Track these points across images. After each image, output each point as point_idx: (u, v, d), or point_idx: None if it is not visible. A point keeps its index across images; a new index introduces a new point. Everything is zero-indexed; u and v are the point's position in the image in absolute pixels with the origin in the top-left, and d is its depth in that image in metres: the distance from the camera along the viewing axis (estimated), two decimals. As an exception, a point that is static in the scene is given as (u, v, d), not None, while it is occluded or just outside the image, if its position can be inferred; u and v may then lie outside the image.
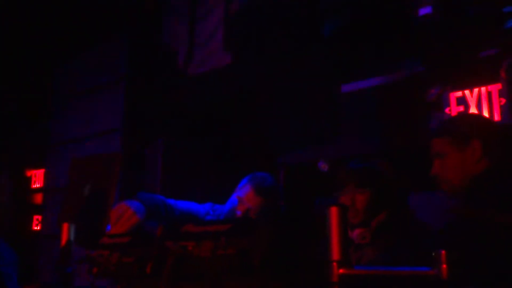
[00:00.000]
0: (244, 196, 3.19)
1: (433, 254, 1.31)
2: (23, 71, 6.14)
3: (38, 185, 7.17)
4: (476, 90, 4.04)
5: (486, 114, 4.00)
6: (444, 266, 1.28)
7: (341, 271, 1.41)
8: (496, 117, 3.98)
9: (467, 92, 4.08)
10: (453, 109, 4.17)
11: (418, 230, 2.71)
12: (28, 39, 5.77)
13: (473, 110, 4.05)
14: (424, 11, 4.11)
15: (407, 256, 2.47)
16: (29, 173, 7.26)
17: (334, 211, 1.46)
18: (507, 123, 3.82)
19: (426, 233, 2.66)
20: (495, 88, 3.98)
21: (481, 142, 2.24)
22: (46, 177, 6.43)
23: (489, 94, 4.01)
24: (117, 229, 2.63)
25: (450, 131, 2.39)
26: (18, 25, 5.59)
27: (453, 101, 4.15)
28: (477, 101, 4.06)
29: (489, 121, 2.89)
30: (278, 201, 3.35)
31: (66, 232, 2.13)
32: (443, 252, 1.28)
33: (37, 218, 7.08)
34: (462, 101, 4.12)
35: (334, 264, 1.42)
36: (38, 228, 6.81)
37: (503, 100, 3.95)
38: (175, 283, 1.67)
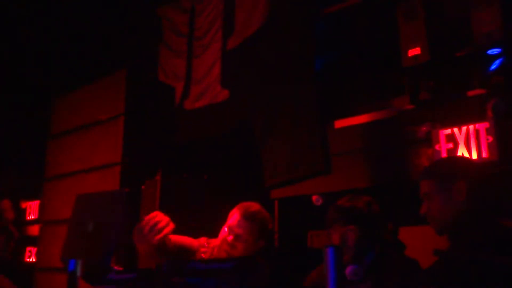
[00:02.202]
0: (231, 223, 3.22)
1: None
2: (23, 104, 6.18)
3: (32, 217, 7.16)
4: (464, 128, 4.12)
5: (474, 151, 4.07)
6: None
7: (337, 307, 1.49)
8: (484, 154, 4.05)
9: (455, 129, 4.16)
10: (442, 146, 4.23)
11: (407, 267, 2.79)
12: (28, 73, 5.82)
13: (461, 147, 4.11)
14: (414, 51, 4.21)
15: None
16: (24, 204, 7.24)
17: (329, 252, 1.54)
18: (490, 164, 3.89)
19: (414, 270, 2.75)
20: (483, 126, 4.06)
21: (466, 184, 2.32)
22: (41, 209, 6.42)
23: (477, 132, 4.08)
24: (152, 236, 2.74)
25: (436, 173, 2.47)
26: (20, 59, 5.65)
27: (442, 138, 4.22)
28: (466, 138, 4.13)
29: (472, 163, 2.95)
30: (267, 226, 3.32)
31: (74, 267, 2.18)
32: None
33: (29, 250, 7.07)
34: (451, 138, 4.19)
35: (331, 300, 1.51)
36: (31, 260, 6.79)
37: (490, 138, 4.02)
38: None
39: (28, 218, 7.19)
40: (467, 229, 2.24)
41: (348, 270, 2.78)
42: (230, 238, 3.11)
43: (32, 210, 7.13)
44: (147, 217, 2.80)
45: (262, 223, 3.19)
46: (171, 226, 2.83)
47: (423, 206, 2.46)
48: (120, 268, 2.14)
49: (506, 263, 1.84)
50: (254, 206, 3.24)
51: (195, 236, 3.41)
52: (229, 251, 3.14)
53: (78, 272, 2.21)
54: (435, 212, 2.40)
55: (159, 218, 2.83)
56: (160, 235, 2.78)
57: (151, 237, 2.78)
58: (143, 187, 4.60)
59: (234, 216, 3.19)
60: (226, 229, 3.21)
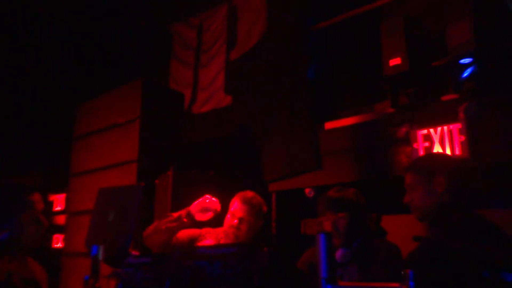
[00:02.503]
0: (233, 209, 3.34)
1: (402, 272, 1.40)
2: (51, 109, 6.19)
3: (59, 208, 7.16)
4: (439, 128, 4.13)
5: (448, 149, 4.07)
6: (411, 283, 1.38)
7: (328, 286, 1.49)
8: (457, 152, 4.05)
9: (431, 130, 4.16)
10: (420, 145, 4.23)
11: (389, 251, 2.80)
12: (57, 82, 5.82)
13: (437, 146, 4.11)
14: (394, 61, 4.21)
15: (382, 274, 2.56)
16: (51, 197, 7.25)
17: (321, 237, 1.54)
18: (467, 159, 3.89)
19: (395, 253, 2.76)
20: (456, 127, 4.06)
21: (445, 178, 2.33)
22: (67, 202, 6.42)
23: (451, 132, 4.08)
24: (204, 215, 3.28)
25: (419, 167, 2.48)
26: (51, 71, 5.65)
27: (419, 138, 4.22)
28: (441, 138, 4.12)
29: (452, 159, 2.93)
30: (262, 207, 3.44)
31: (97, 252, 2.19)
32: (409, 271, 1.38)
33: (56, 237, 7.07)
34: (428, 138, 4.19)
35: (323, 280, 1.51)
36: (59, 246, 6.79)
37: (463, 137, 4.02)
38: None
39: (55, 209, 7.20)
40: (445, 218, 2.25)
41: (339, 253, 2.79)
42: (235, 222, 3.25)
43: (58, 202, 7.13)
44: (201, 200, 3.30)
45: (258, 205, 3.40)
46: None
47: (407, 195, 2.47)
48: (137, 253, 2.14)
49: (478, 250, 1.84)
50: (249, 193, 3.44)
51: (202, 224, 3.45)
52: (236, 233, 3.25)
53: (100, 256, 2.22)
54: (417, 202, 2.41)
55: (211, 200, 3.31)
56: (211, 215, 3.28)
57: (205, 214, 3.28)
58: (156, 181, 4.61)
59: (235, 203, 3.34)
60: (229, 216, 3.30)
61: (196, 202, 3.34)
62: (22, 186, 2.57)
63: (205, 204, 3.33)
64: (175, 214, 3.32)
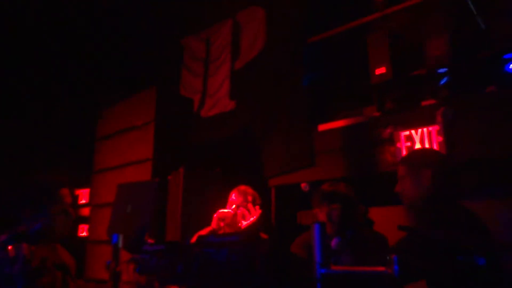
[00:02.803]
0: (231, 200, 3.39)
1: (387, 258, 1.39)
2: (77, 113, 6.19)
3: (84, 201, 7.16)
4: (419, 130, 4.11)
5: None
6: (395, 267, 1.37)
7: (322, 270, 1.48)
8: (435, 151, 4.04)
9: (413, 131, 4.15)
10: (403, 144, 4.21)
11: (377, 240, 2.79)
12: (81, 90, 5.83)
13: (417, 145, 4.10)
14: (380, 71, 4.20)
15: (372, 261, 2.55)
16: (77, 192, 7.24)
17: (317, 226, 1.53)
18: (452, 155, 3.88)
19: (382, 242, 2.75)
20: (434, 128, 4.04)
21: (431, 172, 2.32)
22: (91, 195, 6.43)
23: (430, 133, 4.06)
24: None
25: (409, 161, 2.46)
26: (76, 79, 5.66)
27: (402, 138, 4.20)
28: (421, 138, 4.11)
29: (439, 155, 2.92)
30: (258, 197, 3.44)
31: (117, 240, 2.18)
32: (394, 256, 1.37)
33: (82, 227, 7.06)
34: (410, 138, 4.17)
35: (318, 265, 1.50)
36: (84, 235, 6.79)
37: (440, 138, 4.00)
38: (199, 280, 1.72)
39: (80, 202, 7.19)
40: (430, 208, 2.24)
41: (333, 242, 2.78)
42: (233, 208, 3.22)
43: (83, 196, 7.12)
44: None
45: (253, 194, 3.41)
46: None
47: (398, 185, 2.44)
48: (152, 241, 2.13)
49: (454, 237, 1.83)
50: (242, 186, 3.48)
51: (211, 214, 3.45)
52: (235, 219, 3.21)
53: (120, 244, 2.21)
54: (406, 192, 2.39)
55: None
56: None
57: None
58: (169, 177, 4.60)
59: (232, 195, 3.33)
60: (228, 207, 3.29)
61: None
62: (52, 181, 2.56)
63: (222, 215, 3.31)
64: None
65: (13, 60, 5.28)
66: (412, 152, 2.69)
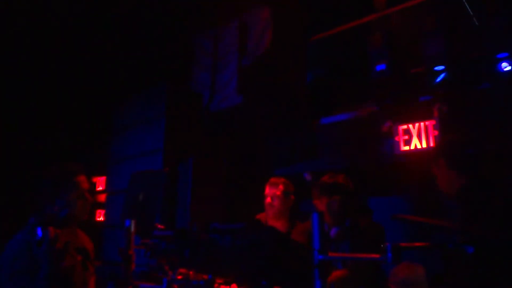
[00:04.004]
0: (266, 192, 3.36)
1: (382, 246, 1.39)
2: (96, 108, 6.22)
3: (100, 188, 7.20)
4: (417, 124, 4.12)
5: (424, 141, 4.05)
6: (390, 254, 1.37)
7: (320, 257, 1.48)
8: (431, 144, 4.03)
9: (410, 125, 4.15)
10: (401, 138, 4.21)
11: (374, 229, 2.78)
12: (95, 85, 5.84)
13: (415, 138, 4.09)
14: (380, 67, 4.18)
15: (370, 250, 2.53)
16: (94, 179, 7.28)
17: (316, 217, 1.53)
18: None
19: (380, 231, 2.73)
20: (431, 123, 4.05)
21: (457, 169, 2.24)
22: (107, 183, 6.46)
23: (426, 127, 4.07)
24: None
25: (446, 154, 2.36)
26: (89, 76, 5.67)
27: (400, 132, 4.20)
28: (418, 132, 4.10)
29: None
30: (290, 186, 3.44)
31: (129, 225, 2.20)
32: (388, 244, 1.37)
33: (99, 212, 7.11)
34: (407, 132, 4.17)
35: (316, 251, 1.50)
36: (101, 219, 6.84)
37: (436, 132, 4.01)
38: (205, 264, 1.73)
39: (97, 189, 7.23)
40: (461, 200, 2.18)
41: (333, 231, 2.76)
42: (268, 200, 3.22)
43: (100, 183, 7.16)
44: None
45: (285, 184, 3.39)
46: None
47: (434, 175, 2.38)
48: (162, 227, 2.15)
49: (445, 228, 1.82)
50: (273, 178, 3.47)
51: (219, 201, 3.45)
52: (271, 209, 3.22)
53: (132, 228, 2.23)
54: (440, 184, 2.32)
55: None
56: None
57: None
58: (179, 167, 4.61)
59: (266, 188, 3.31)
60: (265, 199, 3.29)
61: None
62: (70, 169, 2.56)
63: None
64: None
65: (35, 55, 5.29)
66: (444, 144, 2.55)
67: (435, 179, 2.36)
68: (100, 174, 7.10)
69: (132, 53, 5.52)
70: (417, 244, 1.37)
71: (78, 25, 4.99)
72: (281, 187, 3.34)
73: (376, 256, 1.41)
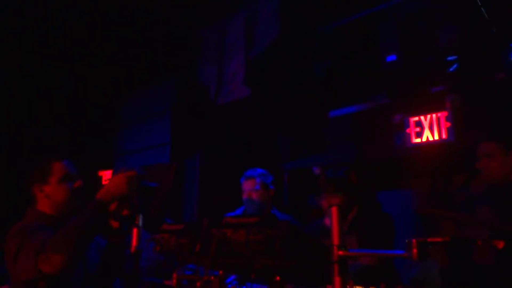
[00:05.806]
0: (243, 187, 3.26)
1: (407, 241, 1.30)
2: (102, 101, 6.17)
3: (107, 182, 7.16)
4: (429, 116, 4.04)
5: (436, 134, 3.97)
6: (415, 250, 1.28)
7: (340, 252, 1.40)
8: (444, 136, 3.95)
9: (422, 117, 4.08)
10: (412, 130, 4.14)
11: (382, 220, 2.68)
12: (101, 79, 5.79)
13: (427, 131, 4.02)
14: (390, 58, 4.10)
15: (377, 242, 2.44)
16: (100, 173, 7.25)
17: (334, 210, 1.45)
18: (448, 143, 3.78)
19: (388, 221, 2.64)
20: (443, 115, 3.98)
21: None
22: (114, 177, 6.43)
23: (438, 119, 3.99)
24: None
25: (500, 139, 2.31)
26: (96, 70, 5.62)
27: (412, 124, 4.13)
28: (430, 124, 4.03)
29: None
30: (267, 177, 3.32)
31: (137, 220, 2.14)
32: (414, 240, 1.28)
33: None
34: (419, 124, 4.10)
35: (335, 247, 1.42)
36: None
37: (448, 124, 3.94)
38: (217, 260, 1.66)
39: (104, 183, 7.20)
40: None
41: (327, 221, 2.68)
42: (245, 196, 3.13)
43: (107, 177, 7.14)
44: None
45: (260, 175, 3.26)
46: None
47: (482, 162, 2.29)
48: (171, 221, 2.08)
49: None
50: (250, 169, 3.34)
51: (227, 196, 3.39)
52: (248, 206, 3.14)
53: (140, 223, 2.18)
54: (493, 170, 2.24)
55: None
56: None
57: None
58: (186, 161, 4.56)
59: (242, 183, 3.21)
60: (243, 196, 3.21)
61: None
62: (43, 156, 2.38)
63: None
64: None
65: (43, 48, 5.24)
66: (499, 128, 2.50)
67: (482, 171, 2.26)
68: (107, 168, 7.07)
69: (139, 47, 5.46)
70: (444, 238, 1.27)
71: (85, 19, 4.93)
72: (258, 179, 3.23)
73: (400, 252, 1.32)
